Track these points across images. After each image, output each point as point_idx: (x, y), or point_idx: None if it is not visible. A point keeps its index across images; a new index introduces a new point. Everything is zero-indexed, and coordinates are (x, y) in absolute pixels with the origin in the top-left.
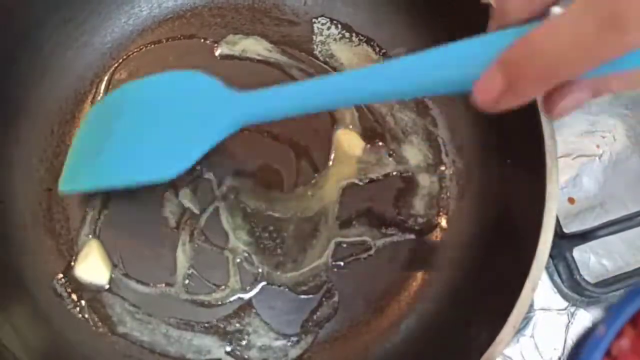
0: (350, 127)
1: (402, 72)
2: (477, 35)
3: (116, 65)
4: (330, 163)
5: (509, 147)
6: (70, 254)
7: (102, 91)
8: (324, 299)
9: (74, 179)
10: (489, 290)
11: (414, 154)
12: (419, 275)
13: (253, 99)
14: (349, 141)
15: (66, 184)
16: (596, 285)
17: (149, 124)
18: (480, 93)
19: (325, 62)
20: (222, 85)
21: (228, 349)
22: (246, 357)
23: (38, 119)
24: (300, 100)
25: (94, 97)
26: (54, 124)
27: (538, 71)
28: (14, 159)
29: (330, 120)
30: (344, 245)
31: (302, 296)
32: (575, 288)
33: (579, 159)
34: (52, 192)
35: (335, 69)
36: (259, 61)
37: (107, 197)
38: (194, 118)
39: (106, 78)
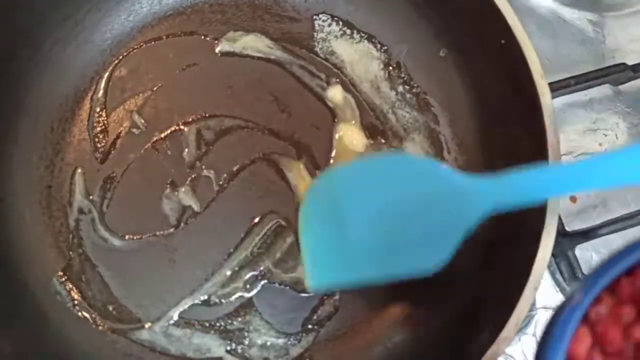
0: (353, 122)
1: None
2: None
3: (116, 62)
4: (332, 161)
5: (511, 145)
6: (69, 252)
7: (102, 88)
8: (325, 298)
9: (322, 272)
10: (491, 288)
11: (416, 151)
12: None
13: (494, 185)
14: (350, 137)
15: (316, 280)
16: None
17: (384, 209)
18: None
19: (326, 59)
20: (453, 170)
21: (229, 347)
22: (247, 355)
23: (38, 117)
24: (554, 182)
25: (93, 94)
26: (54, 122)
27: None
28: (13, 157)
29: (331, 116)
30: None
31: (303, 294)
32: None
33: (581, 157)
34: (52, 190)
35: (335, 66)
36: (259, 58)
37: (107, 196)
38: (439, 210)
39: (106, 75)
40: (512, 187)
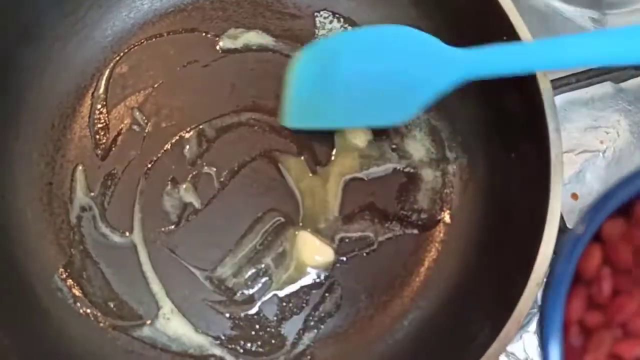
0: None
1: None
2: None
3: (117, 59)
4: (333, 158)
5: (513, 142)
6: (70, 248)
7: (102, 85)
8: (326, 294)
9: (298, 116)
10: (492, 285)
11: (417, 148)
12: (422, 270)
13: (472, 55)
14: (352, 132)
15: (289, 121)
16: None
17: (371, 71)
18: None
19: None
20: (440, 41)
21: (229, 345)
22: (247, 352)
23: (39, 113)
24: (524, 57)
25: (94, 91)
26: (55, 118)
27: None
28: (14, 153)
29: None
30: (347, 241)
31: (304, 292)
32: None
33: (583, 154)
34: (53, 187)
35: None
36: (260, 55)
37: (108, 193)
38: (417, 69)
39: (107, 72)
40: (485, 59)
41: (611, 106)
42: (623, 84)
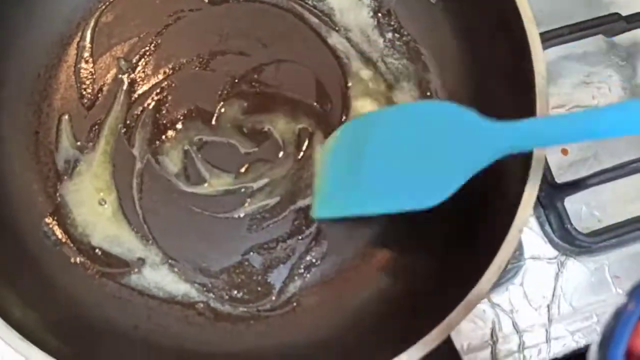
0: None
1: None
2: None
3: (102, 8)
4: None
5: (501, 94)
6: (57, 196)
7: (88, 35)
8: (312, 244)
9: (330, 204)
10: (476, 235)
11: (405, 100)
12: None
13: (512, 130)
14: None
15: (321, 210)
16: (587, 235)
17: (404, 151)
18: None
19: (315, 7)
20: (477, 115)
21: (215, 293)
22: (233, 299)
23: (24, 63)
24: (564, 131)
25: (80, 41)
26: (40, 68)
27: None
28: (1, 103)
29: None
30: None
31: (290, 240)
32: (566, 237)
33: (574, 109)
34: (39, 136)
35: (324, 13)
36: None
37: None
38: (452, 148)
39: (92, 21)
40: (525, 133)
41: (603, 62)
42: (616, 39)
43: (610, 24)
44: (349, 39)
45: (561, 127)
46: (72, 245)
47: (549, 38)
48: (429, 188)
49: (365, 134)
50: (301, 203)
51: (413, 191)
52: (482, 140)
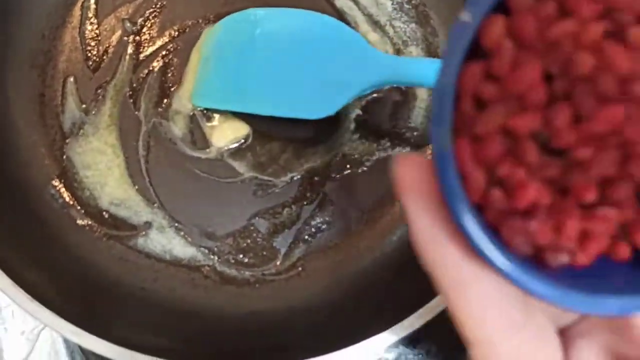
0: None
1: None
2: None
3: None
4: None
5: None
6: (64, 158)
7: None
8: (317, 210)
9: (211, 95)
10: None
11: None
12: None
13: (399, 62)
14: None
15: (200, 100)
16: None
17: (291, 58)
18: None
19: None
20: (366, 42)
21: (221, 257)
22: (239, 262)
23: (29, 24)
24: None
25: (84, 1)
26: (45, 29)
27: None
28: (6, 65)
29: None
30: (338, 158)
31: (295, 206)
32: None
33: None
34: (45, 98)
35: None
36: None
37: (101, 102)
38: (340, 67)
39: None
40: (406, 68)
41: None
42: None
43: None
44: (356, 2)
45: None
46: (79, 207)
47: None
48: (312, 100)
49: (253, 29)
50: (306, 167)
51: (296, 100)
52: (371, 64)
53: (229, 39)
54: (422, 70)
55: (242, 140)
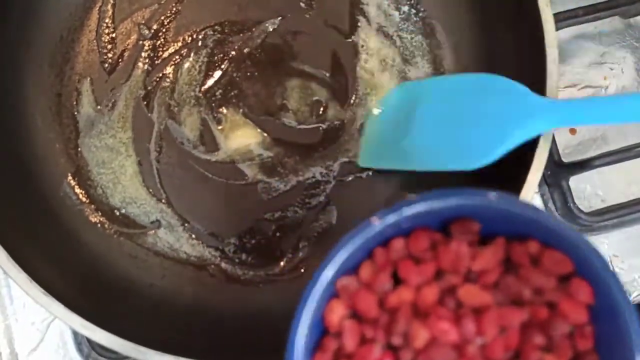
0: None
1: None
2: None
3: None
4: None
5: (514, 71)
6: (79, 157)
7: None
8: (322, 213)
9: (376, 156)
10: None
11: (418, 76)
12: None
13: (562, 107)
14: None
15: (367, 160)
16: (589, 214)
17: (453, 117)
18: None
19: None
20: (528, 89)
21: (224, 258)
22: (243, 262)
23: (48, 24)
24: (613, 112)
25: (102, 5)
26: (63, 31)
27: None
28: (25, 65)
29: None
30: (343, 164)
31: (300, 213)
32: (568, 215)
33: (585, 90)
34: (62, 98)
35: None
36: None
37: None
38: (502, 117)
39: None
40: (573, 111)
41: (618, 42)
42: (632, 20)
43: (627, 5)
44: (366, 15)
45: (606, 108)
46: (92, 205)
47: (564, 19)
48: (474, 152)
49: (417, 96)
50: (312, 171)
51: (458, 153)
52: (531, 113)
53: (395, 105)
54: (589, 112)
55: (251, 144)
